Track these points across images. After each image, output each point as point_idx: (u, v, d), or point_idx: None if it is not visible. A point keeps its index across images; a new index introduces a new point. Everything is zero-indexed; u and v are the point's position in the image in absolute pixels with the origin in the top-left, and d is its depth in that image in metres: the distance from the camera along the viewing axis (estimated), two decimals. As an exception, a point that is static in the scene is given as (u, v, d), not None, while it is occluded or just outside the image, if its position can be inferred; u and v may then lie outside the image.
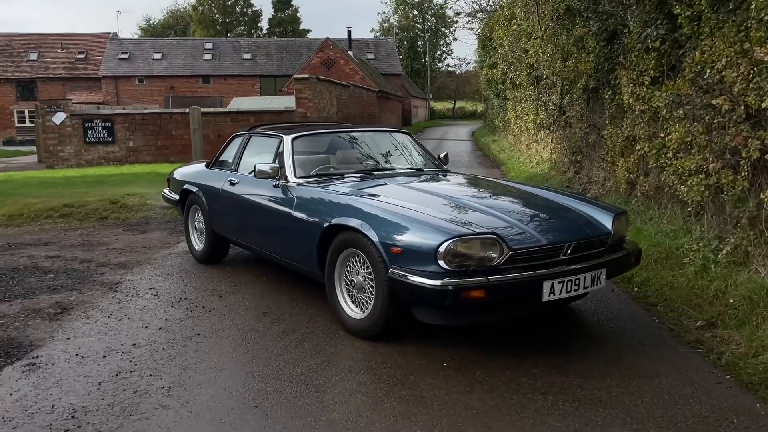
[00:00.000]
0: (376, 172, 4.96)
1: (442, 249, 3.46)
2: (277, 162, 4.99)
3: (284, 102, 18.66)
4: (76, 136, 15.78)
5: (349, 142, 5.50)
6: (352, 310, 4.09)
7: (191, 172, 6.37)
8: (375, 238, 3.78)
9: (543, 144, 14.42)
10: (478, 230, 3.59)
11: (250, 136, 5.66)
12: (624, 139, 7.75)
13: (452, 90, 65.55)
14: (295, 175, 4.81)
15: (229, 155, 5.85)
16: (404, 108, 39.85)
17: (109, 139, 15.94)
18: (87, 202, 9.46)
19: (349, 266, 4.09)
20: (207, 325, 4.34)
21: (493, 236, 3.56)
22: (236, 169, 5.57)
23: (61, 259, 6.50)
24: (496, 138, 23.60)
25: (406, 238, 3.65)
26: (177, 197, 6.41)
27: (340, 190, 4.41)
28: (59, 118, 15.56)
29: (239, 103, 20.45)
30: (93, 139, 15.87)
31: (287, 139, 5.08)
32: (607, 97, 8.41)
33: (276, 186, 4.82)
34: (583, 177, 10.43)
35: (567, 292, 3.71)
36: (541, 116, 13.08)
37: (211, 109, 17.02)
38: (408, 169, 5.21)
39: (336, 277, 4.18)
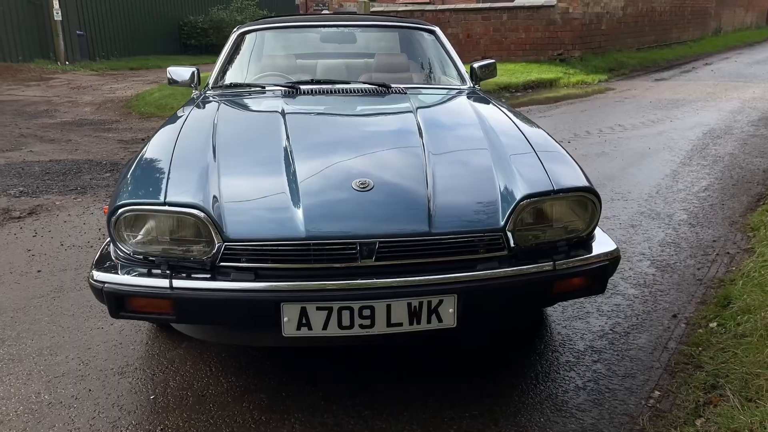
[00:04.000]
0: (309, 87, 3.43)
1: (114, 218, 2.10)
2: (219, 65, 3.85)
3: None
4: (340, 33, 15.96)
5: (327, 41, 3.99)
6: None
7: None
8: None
9: None
10: (173, 199, 2.08)
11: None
12: None
13: None
14: (215, 83, 3.63)
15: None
16: (776, 2, 31.44)
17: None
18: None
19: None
20: (63, 263, 3.63)
21: (194, 212, 2.04)
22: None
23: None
24: None
25: (114, 193, 2.34)
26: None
27: (198, 111, 3.10)
28: (326, 15, 15.88)
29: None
30: (354, 37, 15.92)
31: (235, 33, 3.88)
32: None
33: (192, 96, 3.72)
34: None
35: (342, 327, 2.01)
36: None
37: (457, 6, 15.51)
38: (368, 85, 3.48)
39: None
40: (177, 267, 2.08)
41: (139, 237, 2.10)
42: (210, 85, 3.61)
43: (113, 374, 2.48)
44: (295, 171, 2.26)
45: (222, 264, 2.06)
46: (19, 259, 3.69)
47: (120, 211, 2.07)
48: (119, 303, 2.07)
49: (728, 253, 3.71)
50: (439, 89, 3.60)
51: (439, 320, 2.04)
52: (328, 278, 2.03)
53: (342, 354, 2.60)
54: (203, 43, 21.39)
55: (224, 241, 2.02)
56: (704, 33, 21.39)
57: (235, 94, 3.44)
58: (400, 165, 2.35)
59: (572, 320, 2.91)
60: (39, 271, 3.49)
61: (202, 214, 2.03)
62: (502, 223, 2.08)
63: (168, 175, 2.22)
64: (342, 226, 2.04)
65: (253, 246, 2.03)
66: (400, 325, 2.02)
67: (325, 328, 2.01)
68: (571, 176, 2.27)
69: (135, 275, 2.08)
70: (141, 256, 2.11)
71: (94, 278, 2.12)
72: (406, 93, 3.40)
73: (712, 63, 15.59)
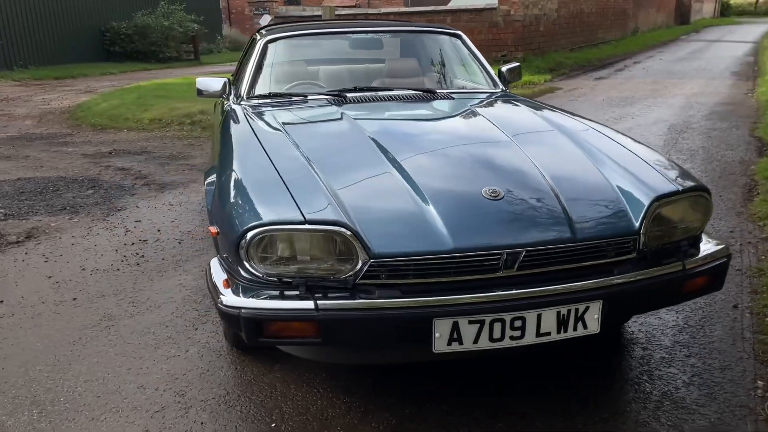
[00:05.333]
0: (355, 94, 3.37)
1: (246, 240, 1.98)
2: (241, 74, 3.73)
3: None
4: (281, 37, 15.74)
5: (354, 48, 3.94)
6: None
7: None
8: (209, 205, 2.42)
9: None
10: (314, 216, 2.00)
11: (253, 39, 4.39)
12: None
13: (759, -20, 53.92)
14: (248, 93, 3.50)
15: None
16: (681, 2, 33.51)
17: (310, 41, 15.64)
18: (222, 108, 9.08)
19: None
20: (96, 289, 3.40)
21: (339, 229, 1.96)
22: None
23: (125, 172, 6.12)
24: (782, 40, 18.60)
25: (223, 212, 2.21)
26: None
27: (255, 123, 2.99)
28: (265, 20, 15.62)
29: (459, 1, 18.69)
30: (295, 41, 15.71)
31: (260, 41, 3.75)
32: None
33: (224, 108, 3.59)
34: None
35: (493, 340, 1.99)
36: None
37: (401, 9, 15.66)
38: (412, 90, 3.48)
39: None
40: (314, 287, 1.99)
41: (275, 258, 1.99)
42: (244, 96, 3.48)
43: (218, 404, 2.35)
44: (413, 181, 2.21)
45: (361, 282, 1.99)
46: (44, 287, 3.43)
47: (254, 232, 1.96)
48: (258, 328, 1.97)
49: (750, 242, 3.91)
50: (479, 93, 3.62)
51: (584, 327, 2.04)
52: (470, 290, 1.99)
53: (442, 367, 2.56)
54: (128, 49, 20.56)
55: (370, 258, 1.95)
56: (624, 33, 22.45)
57: (279, 104, 3.33)
58: (514, 170, 2.34)
59: (645, 316, 2.98)
60: (75, 299, 3.26)
61: (346, 231, 1.95)
62: (637, 225, 2.11)
63: (289, 192, 2.12)
64: (488, 236, 2.01)
65: (398, 261, 1.97)
66: (549, 334, 2.02)
67: (475, 341, 1.98)
68: (685, 176, 2.34)
69: (274, 298, 1.98)
70: (274, 278, 2.01)
71: (227, 303, 2.00)
72: (453, 98, 3.40)
73: (640, 61, 16.37)
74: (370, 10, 16.63)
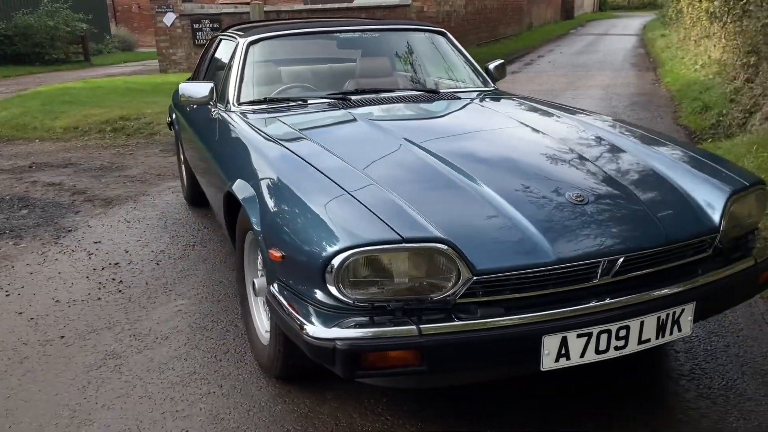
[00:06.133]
0: (356, 97, 3.21)
1: (333, 265, 1.79)
2: (218, 80, 3.47)
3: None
4: (186, 38, 15.05)
5: (342, 47, 3.76)
6: (263, 326, 2.56)
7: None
8: (257, 225, 2.19)
9: (715, 40, 11.38)
10: (411, 234, 1.83)
11: (220, 40, 4.10)
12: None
13: (630, -24, 57.61)
14: (238, 99, 3.23)
15: (201, 66, 4.37)
16: (565, -1, 35.29)
17: (218, 40, 15.04)
18: (144, 114, 8.54)
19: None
20: (82, 323, 3.04)
21: (441, 246, 1.81)
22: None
23: (58, 188, 5.58)
24: (666, 32, 19.85)
25: (292, 235, 2.00)
26: (169, 118, 5.09)
27: (268, 130, 2.77)
28: (169, 18, 14.87)
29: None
30: (202, 41, 15.02)
31: (242, 43, 3.48)
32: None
33: (212, 115, 3.31)
34: (756, 87, 7.74)
35: (599, 352, 1.91)
36: (715, 2, 10.36)
37: (314, 6, 15.44)
38: (415, 91, 3.38)
39: (246, 270, 2.64)
40: (409, 311, 1.83)
41: (366, 281, 1.81)
42: (234, 102, 3.22)
43: (283, 444, 2.13)
44: (483, 186, 2.10)
45: (459, 301, 1.85)
46: (19, 325, 3.02)
47: (345, 255, 1.77)
48: (356, 360, 1.78)
49: (726, 228, 4.07)
50: (478, 91, 3.55)
51: (679, 330, 2.01)
52: (568, 302, 1.91)
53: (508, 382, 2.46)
54: (9, 52, 19.01)
55: (473, 275, 1.81)
56: (521, 28, 23.26)
57: (277, 110, 3.12)
58: (584, 173, 2.27)
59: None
60: (62, 337, 2.89)
61: (446, 248, 1.80)
62: (717, 223, 2.10)
63: (365, 206, 1.95)
64: (586, 244, 1.92)
65: (500, 277, 1.85)
66: (649, 341, 1.97)
67: (582, 355, 1.90)
68: (742, 170, 2.36)
69: (366, 326, 1.80)
70: (366, 303, 1.83)
71: (318, 335, 1.79)
72: (460, 98, 3.32)
73: (544, 55, 16.98)
74: (268, 8, 16.20)
